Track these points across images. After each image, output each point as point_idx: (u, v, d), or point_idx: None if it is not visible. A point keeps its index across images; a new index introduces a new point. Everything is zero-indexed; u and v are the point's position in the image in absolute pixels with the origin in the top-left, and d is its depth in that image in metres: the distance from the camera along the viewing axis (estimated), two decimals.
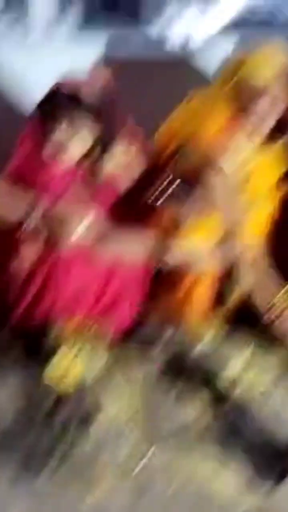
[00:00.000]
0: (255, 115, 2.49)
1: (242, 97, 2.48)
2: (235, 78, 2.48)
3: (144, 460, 1.99)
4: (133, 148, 2.63)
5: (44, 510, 1.82)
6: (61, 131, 2.42)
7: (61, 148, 2.45)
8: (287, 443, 1.98)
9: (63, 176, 2.45)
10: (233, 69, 2.53)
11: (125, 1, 3.33)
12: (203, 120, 2.53)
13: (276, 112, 2.51)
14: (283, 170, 2.68)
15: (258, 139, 2.60)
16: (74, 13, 3.26)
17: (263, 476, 1.94)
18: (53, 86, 2.47)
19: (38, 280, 2.42)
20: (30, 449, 2.00)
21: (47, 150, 2.47)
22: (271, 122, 2.53)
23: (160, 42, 3.36)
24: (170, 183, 2.62)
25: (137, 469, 1.96)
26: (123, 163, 2.61)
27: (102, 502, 1.85)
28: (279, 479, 1.90)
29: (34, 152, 2.49)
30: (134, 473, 1.95)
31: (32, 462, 1.95)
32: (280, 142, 2.62)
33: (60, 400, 2.04)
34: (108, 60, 3.12)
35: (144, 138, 2.66)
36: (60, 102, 2.41)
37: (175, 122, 2.63)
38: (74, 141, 2.45)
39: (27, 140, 2.53)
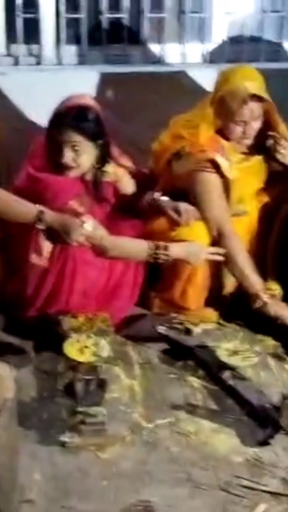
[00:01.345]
0: (238, 123, 2.76)
1: (226, 108, 2.75)
2: (219, 92, 2.76)
3: (152, 424, 2.24)
4: (121, 169, 2.91)
5: (64, 463, 2.05)
6: (66, 155, 2.68)
7: (66, 166, 2.71)
8: (277, 405, 2.25)
9: (71, 186, 2.71)
10: (218, 84, 2.81)
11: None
12: (193, 131, 2.79)
13: (256, 121, 2.77)
14: (263, 180, 2.95)
15: (243, 146, 2.88)
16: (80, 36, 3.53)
17: (257, 433, 2.20)
18: (62, 102, 2.72)
19: (52, 277, 2.64)
20: (51, 412, 2.26)
21: (55, 167, 2.73)
22: (252, 131, 2.80)
23: (158, 58, 3.62)
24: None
25: (146, 431, 2.21)
26: (116, 177, 2.89)
27: (116, 457, 2.09)
28: (271, 434, 2.16)
29: (44, 166, 2.75)
30: (143, 434, 2.20)
31: (54, 424, 2.20)
32: (259, 157, 2.90)
33: (77, 370, 2.29)
34: (111, 77, 3.39)
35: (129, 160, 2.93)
36: (65, 124, 2.67)
37: (167, 137, 2.90)
38: (78, 161, 2.71)
39: (37, 154, 2.79)
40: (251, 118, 2.76)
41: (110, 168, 2.86)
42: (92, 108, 2.73)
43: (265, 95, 2.75)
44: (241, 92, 2.72)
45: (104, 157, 2.81)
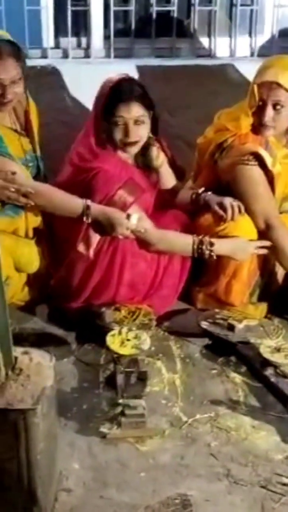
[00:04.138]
0: (260, 106, 2.71)
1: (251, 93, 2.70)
2: (255, 84, 2.71)
3: (192, 418, 2.23)
4: (162, 154, 2.90)
5: (103, 454, 2.06)
6: (134, 131, 2.69)
7: (131, 143, 2.72)
8: None
9: (119, 174, 2.70)
10: (256, 76, 2.75)
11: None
12: (235, 123, 2.76)
13: (282, 106, 2.69)
14: None
15: (284, 140, 2.83)
16: (129, 29, 3.53)
17: None
18: (109, 82, 2.71)
19: (100, 269, 2.66)
20: (92, 403, 2.27)
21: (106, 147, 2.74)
22: (281, 119, 2.72)
23: (207, 52, 3.60)
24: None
25: (185, 425, 2.20)
26: (158, 162, 2.88)
27: (155, 449, 2.09)
28: None
29: (90, 155, 2.75)
30: (183, 428, 2.19)
31: (94, 415, 2.22)
32: None
33: (119, 363, 2.29)
34: (159, 70, 3.38)
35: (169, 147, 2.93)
36: (128, 98, 2.66)
37: (211, 130, 2.87)
38: (140, 134, 2.72)
39: (82, 146, 2.79)
40: (270, 98, 2.68)
41: (153, 151, 2.86)
42: (136, 80, 2.74)
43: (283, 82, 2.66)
44: (261, 76, 2.70)
45: (154, 130, 2.82)
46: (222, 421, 2.23)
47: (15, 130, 2.80)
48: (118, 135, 2.72)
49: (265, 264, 2.87)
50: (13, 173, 2.54)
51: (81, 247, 2.62)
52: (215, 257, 2.71)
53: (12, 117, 2.81)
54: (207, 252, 2.69)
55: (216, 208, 2.73)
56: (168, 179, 2.97)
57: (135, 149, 2.76)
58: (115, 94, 2.69)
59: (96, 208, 2.58)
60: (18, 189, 2.55)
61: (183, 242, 2.72)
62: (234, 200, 2.74)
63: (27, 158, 2.80)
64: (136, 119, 2.68)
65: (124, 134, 2.70)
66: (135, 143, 2.73)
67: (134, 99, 2.67)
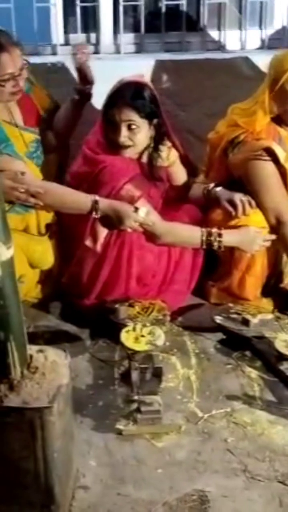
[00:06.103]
0: None
1: (285, 94, 2.67)
2: (278, 79, 2.66)
3: (208, 414, 2.22)
4: (173, 153, 2.89)
5: (120, 451, 2.06)
6: (122, 134, 2.70)
7: (123, 145, 2.72)
8: None
9: (127, 168, 2.71)
10: (274, 70, 2.71)
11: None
12: (249, 119, 2.73)
13: None
14: None
15: None
16: (139, 23, 3.51)
17: None
18: (118, 82, 2.72)
19: (109, 263, 2.66)
20: (107, 400, 2.27)
21: (111, 147, 2.75)
22: None
23: (218, 45, 3.57)
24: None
25: (201, 420, 2.19)
26: (169, 162, 2.87)
27: (171, 446, 2.08)
28: None
29: (100, 148, 2.77)
30: (199, 423, 2.18)
31: (110, 411, 2.21)
32: None
33: (133, 359, 2.29)
34: (169, 65, 3.37)
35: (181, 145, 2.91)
36: (122, 102, 2.67)
37: (223, 125, 2.85)
38: (133, 139, 2.72)
39: (94, 138, 2.81)
40: None
41: (163, 153, 2.85)
42: (148, 87, 2.74)
43: None
44: None
45: (159, 138, 2.80)
46: (238, 416, 2.22)
47: (15, 124, 2.77)
48: (112, 136, 2.73)
49: (276, 263, 2.85)
50: (22, 173, 2.54)
51: (88, 242, 2.64)
52: (223, 248, 2.70)
53: (7, 110, 2.77)
54: (215, 243, 2.68)
55: (226, 205, 2.74)
56: (180, 176, 2.97)
57: (130, 153, 2.75)
58: (111, 95, 2.73)
59: (105, 202, 2.58)
60: (27, 189, 2.55)
61: (191, 234, 2.72)
62: (244, 195, 2.73)
63: (30, 151, 2.79)
64: (129, 124, 2.68)
65: (115, 136, 2.71)
66: (127, 147, 2.72)
67: (126, 104, 2.68)
